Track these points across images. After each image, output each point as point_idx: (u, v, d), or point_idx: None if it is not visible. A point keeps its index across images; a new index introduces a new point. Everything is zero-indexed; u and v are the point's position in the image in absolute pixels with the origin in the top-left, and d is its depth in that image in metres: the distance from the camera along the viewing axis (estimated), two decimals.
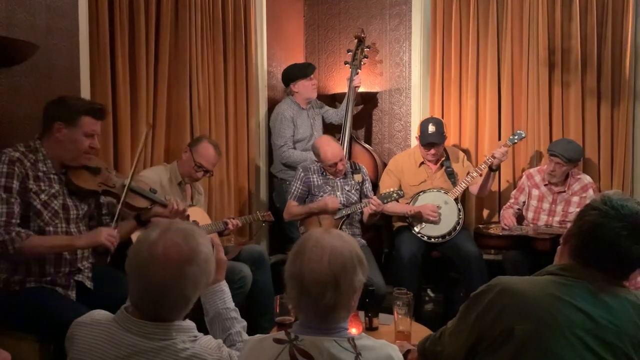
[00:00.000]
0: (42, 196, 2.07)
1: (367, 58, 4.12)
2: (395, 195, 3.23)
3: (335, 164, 3.30)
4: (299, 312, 1.32)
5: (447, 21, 4.03)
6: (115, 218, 2.22)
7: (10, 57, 2.30)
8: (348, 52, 4.10)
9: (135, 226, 2.39)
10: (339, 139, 3.87)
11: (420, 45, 4.21)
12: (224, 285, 1.68)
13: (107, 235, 2.13)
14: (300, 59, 4.56)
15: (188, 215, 2.66)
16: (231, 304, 1.67)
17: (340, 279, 1.25)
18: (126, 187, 2.21)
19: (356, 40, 4.07)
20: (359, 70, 4.05)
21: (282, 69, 4.23)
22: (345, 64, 4.10)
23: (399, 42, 4.33)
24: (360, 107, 4.38)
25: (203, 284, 1.33)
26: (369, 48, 4.18)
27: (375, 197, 3.25)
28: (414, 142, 4.19)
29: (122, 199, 2.20)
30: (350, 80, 4.01)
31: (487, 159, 3.39)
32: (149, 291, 1.27)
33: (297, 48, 4.59)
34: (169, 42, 3.17)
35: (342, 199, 3.38)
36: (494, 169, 3.41)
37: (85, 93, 2.70)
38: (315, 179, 3.40)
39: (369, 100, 4.42)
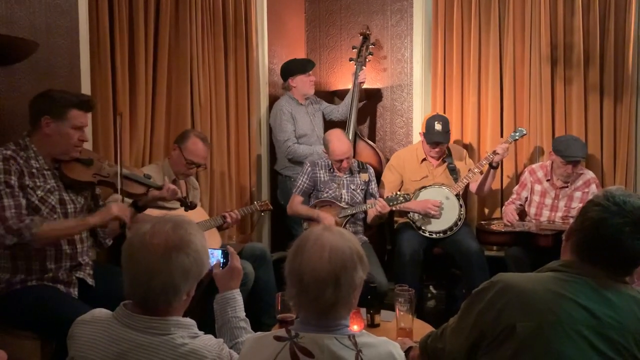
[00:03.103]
0: (39, 192, 2.07)
1: (372, 55, 4.11)
2: (401, 198, 3.22)
3: (341, 160, 3.31)
4: (299, 310, 1.31)
5: (448, 17, 4.01)
6: (121, 197, 2.25)
7: (10, 55, 2.30)
8: (353, 48, 4.09)
9: (133, 212, 2.39)
10: None
11: (421, 41, 4.19)
12: (237, 294, 1.71)
13: (118, 208, 2.18)
14: (301, 55, 4.55)
15: (185, 196, 2.67)
16: (242, 314, 1.69)
17: (340, 276, 1.25)
18: (119, 175, 2.22)
19: (361, 37, 4.07)
20: (364, 67, 4.04)
21: None
22: (350, 60, 4.08)
23: (401, 38, 4.32)
24: (362, 104, 4.37)
25: (194, 275, 1.34)
26: (373, 45, 4.17)
27: (381, 199, 3.25)
28: (416, 138, 4.19)
29: (119, 188, 2.21)
30: (355, 76, 4.00)
31: (489, 155, 3.38)
32: (137, 277, 1.28)
33: (298, 44, 4.58)
34: (169, 39, 3.16)
35: (346, 197, 3.39)
36: (494, 166, 3.40)
37: (86, 91, 2.69)
38: (322, 175, 3.41)
39: (370, 97, 4.41)
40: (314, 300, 1.25)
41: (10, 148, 2.05)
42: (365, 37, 4.06)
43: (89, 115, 2.20)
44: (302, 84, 3.88)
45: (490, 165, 3.39)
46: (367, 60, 4.06)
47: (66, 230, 2.09)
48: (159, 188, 2.41)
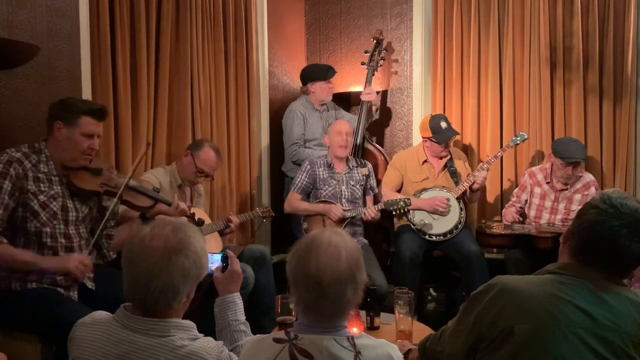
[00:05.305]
0: (41, 197, 2.07)
1: (384, 60, 4.12)
2: (402, 203, 3.24)
3: (341, 133, 3.38)
4: (311, 313, 1.29)
5: (448, 20, 4.02)
6: (92, 242, 2.20)
7: (11, 59, 2.31)
8: (365, 52, 4.08)
9: (140, 225, 2.39)
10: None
11: (421, 44, 4.20)
12: (237, 298, 1.72)
13: (77, 262, 2.05)
14: (301, 59, 4.57)
15: (194, 213, 2.67)
16: (242, 317, 1.70)
17: (357, 275, 1.28)
18: (123, 185, 2.21)
19: (374, 42, 4.07)
20: (376, 71, 4.06)
21: (283, 69, 4.25)
22: (362, 64, 4.09)
23: (400, 42, 4.33)
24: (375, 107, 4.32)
25: (193, 277, 1.34)
26: (386, 50, 4.18)
27: (371, 207, 3.30)
28: (416, 141, 4.19)
29: (117, 195, 2.20)
30: (367, 80, 3.99)
31: (469, 177, 3.44)
32: (137, 279, 1.29)
33: (298, 48, 4.59)
34: (169, 43, 3.18)
35: (346, 193, 3.42)
36: (473, 189, 3.44)
37: (87, 95, 2.71)
38: (321, 172, 3.43)
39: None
40: (334, 302, 1.26)
41: (22, 150, 2.09)
42: (379, 42, 4.07)
43: (101, 124, 2.20)
44: (321, 90, 3.90)
45: (470, 188, 3.43)
46: (379, 65, 4.07)
47: (15, 262, 2.01)
48: (169, 204, 2.42)
